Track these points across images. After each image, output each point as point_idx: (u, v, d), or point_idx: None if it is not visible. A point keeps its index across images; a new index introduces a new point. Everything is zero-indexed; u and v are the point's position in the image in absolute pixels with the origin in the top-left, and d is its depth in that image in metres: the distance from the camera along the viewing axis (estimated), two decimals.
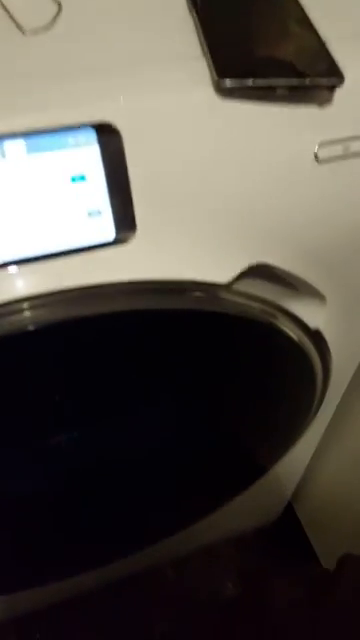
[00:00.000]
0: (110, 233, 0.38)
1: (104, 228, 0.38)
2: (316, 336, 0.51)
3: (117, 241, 0.38)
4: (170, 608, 1.10)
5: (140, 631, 1.06)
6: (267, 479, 0.81)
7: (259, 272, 0.46)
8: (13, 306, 0.38)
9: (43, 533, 0.68)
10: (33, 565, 0.74)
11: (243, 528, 1.19)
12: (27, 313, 0.39)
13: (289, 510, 1.18)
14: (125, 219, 0.38)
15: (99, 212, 0.38)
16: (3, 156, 0.35)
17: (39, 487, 0.64)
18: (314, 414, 0.64)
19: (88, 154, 0.36)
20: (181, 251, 0.40)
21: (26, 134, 0.35)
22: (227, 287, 0.42)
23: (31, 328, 0.39)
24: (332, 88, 0.36)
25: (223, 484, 0.80)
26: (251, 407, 0.58)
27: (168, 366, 0.49)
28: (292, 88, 0.35)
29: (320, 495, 1.07)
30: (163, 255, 0.40)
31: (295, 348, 0.49)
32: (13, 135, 0.35)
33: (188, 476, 0.70)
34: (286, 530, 1.23)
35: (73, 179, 0.37)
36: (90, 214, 0.38)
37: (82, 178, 0.37)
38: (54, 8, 0.38)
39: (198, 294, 0.42)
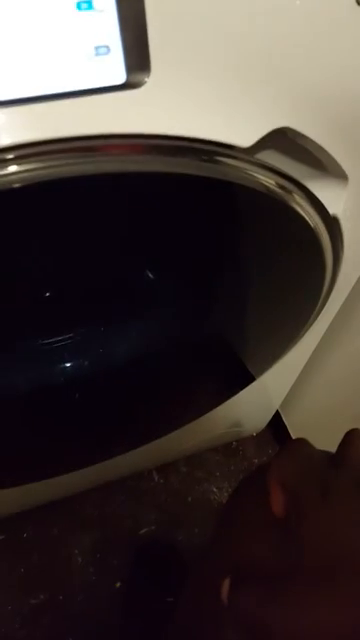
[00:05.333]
0: (120, 75, 0.33)
1: (113, 68, 0.33)
2: (333, 223, 0.47)
3: (127, 85, 0.34)
4: (155, 509, 1.14)
5: (126, 530, 1.11)
6: (259, 385, 0.80)
7: (282, 143, 0.41)
8: None
9: (39, 428, 0.67)
10: (30, 459, 0.74)
11: (230, 436, 1.21)
12: (13, 166, 0.34)
13: (276, 419, 1.19)
14: (138, 58, 0.33)
15: (107, 49, 0.33)
16: None
17: (37, 383, 0.62)
18: (318, 311, 0.61)
19: None
20: (199, 104, 0.35)
21: None
22: (246, 152, 0.38)
23: (17, 185, 0.35)
24: None
25: (217, 384, 0.79)
26: (256, 296, 0.55)
27: (168, 240, 0.45)
28: None
29: (310, 403, 1.08)
30: (178, 106, 0.35)
31: (307, 230, 0.46)
32: None
33: (190, 373, 0.69)
34: (273, 438, 1.26)
35: (78, 6, 0.32)
36: (97, 51, 0.33)
37: (89, 5, 0.32)
38: None
39: (211, 157, 0.37)
